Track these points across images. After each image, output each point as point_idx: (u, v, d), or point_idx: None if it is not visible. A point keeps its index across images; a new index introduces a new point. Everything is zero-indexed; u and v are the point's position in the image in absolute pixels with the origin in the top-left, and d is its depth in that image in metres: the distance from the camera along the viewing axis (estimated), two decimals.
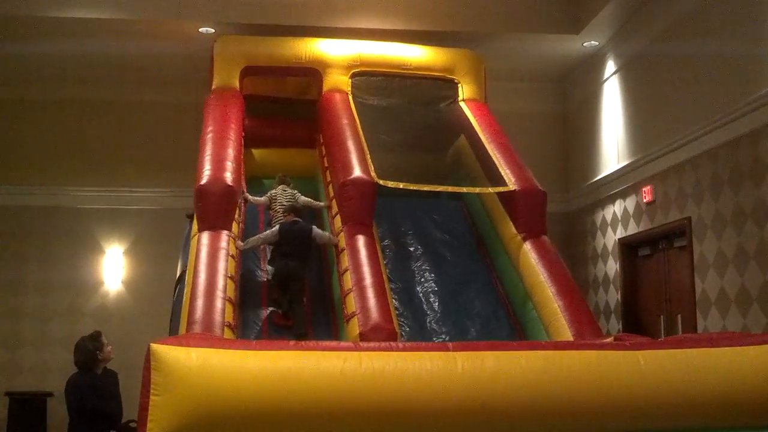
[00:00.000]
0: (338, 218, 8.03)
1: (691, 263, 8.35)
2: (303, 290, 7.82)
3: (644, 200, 9.41)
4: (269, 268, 8.09)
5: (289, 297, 7.65)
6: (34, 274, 11.01)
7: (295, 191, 8.63)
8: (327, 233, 8.19)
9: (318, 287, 8.20)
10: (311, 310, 7.91)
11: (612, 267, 10.32)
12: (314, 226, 8.05)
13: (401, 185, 8.07)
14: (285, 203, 8.42)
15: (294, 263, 7.70)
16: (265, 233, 7.97)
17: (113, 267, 11.12)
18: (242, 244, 7.84)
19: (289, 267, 7.69)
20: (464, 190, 8.98)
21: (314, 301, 8.03)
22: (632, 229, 9.78)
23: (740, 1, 7.65)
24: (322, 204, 8.85)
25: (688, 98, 8.52)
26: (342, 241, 7.74)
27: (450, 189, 8.80)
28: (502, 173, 8.47)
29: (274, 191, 8.61)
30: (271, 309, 7.77)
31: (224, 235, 7.47)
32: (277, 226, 7.92)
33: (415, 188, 8.16)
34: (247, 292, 7.89)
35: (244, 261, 8.20)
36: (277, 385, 4.08)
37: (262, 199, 8.59)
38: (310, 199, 8.71)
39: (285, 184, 8.73)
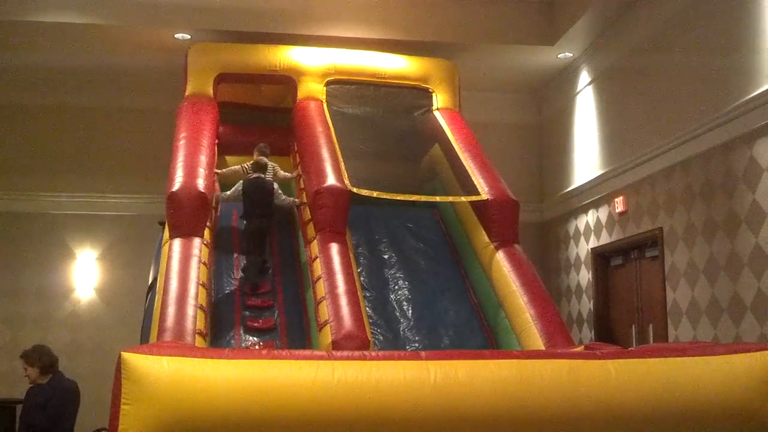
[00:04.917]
0: (311, 226, 8.02)
1: (663, 273, 8.43)
2: (267, 243, 8.40)
3: (617, 210, 9.48)
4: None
5: (258, 252, 8.24)
6: (4, 280, 10.88)
7: (274, 165, 8.89)
8: (289, 198, 8.62)
9: (288, 251, 8.65)
10: (281, 271, 8.41)
11: (584, 276, 10.38)
12: (276, 184, 8.49)
13: (375, 194, 8.09)
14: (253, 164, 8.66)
15: (258, 220, 8.26)
16: (230, 191, 8.40)
17: (85, 273, 11.03)
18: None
19: (253, 224, 8.24)
20: (437, 199, 9.00)
21: (284, 265, 8.48)
22: (605, 239, 9.85)
23: (713, 15, 7.73)
24: (291, 175, 9.10)
25: (660, 110, 8.60)
26: (315, 248, 7.74)
27: (423, 198, 8.79)
28: (476, 182, 8.50)
29: (248, 163, 8.84)
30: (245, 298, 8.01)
31: (196, 242, 7.43)
32: (240, 182, 8.36)
33: (388, 197, 8.18)
34: (221, 289, 7.99)
35: (218, 259, 8.29)
36: (249, 394, 4.06)
37: (238, 167, 8.90)
38: (286, 173, 9.02)
39: (264, 155, 8.85)
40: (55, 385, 7.39)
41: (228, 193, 8.43)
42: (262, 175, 8.47)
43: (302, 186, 8.70)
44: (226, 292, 8.04)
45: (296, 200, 8.67)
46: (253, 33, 9.70)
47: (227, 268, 8.36)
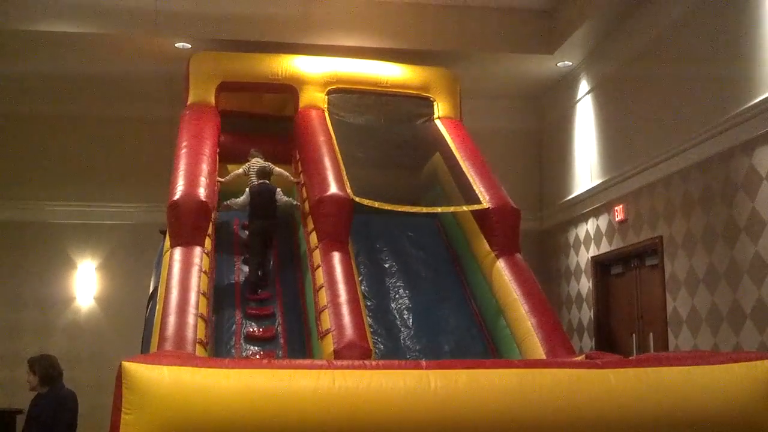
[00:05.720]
0: (314, 234, 8.02)
1: (663, 282, 8.43)
2: (273, 247, 8.64)
3: (616, 219, 9.49)
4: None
5: (262, 254, 8.42)
6: (5, 289, 10.88)
7: (269, 163, 9.02)
8: (289, 199, 8.78)
9: (289, 259, 8.76)
10: (281, 280, 8.51)
11: (585, 285, 10.38)
12: (278, 188, 8.64)
13: (377, 204, 8.10)
14: (257, 167, 8.84)
15: (264, 223, 8.47)
16: (240, 198, 8.56)
17: (85, 282, 11.03)
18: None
19: (257, 226, 8.45)
20: (439, 210, 9.00)
21: (285, 274, 8.56)
22: (605, 247, 9.85)
23: (712, 24, 7.76)
24: (294, 179, 9.23)
25: (660, 119, 8.62)
26: (317, 257, 7.75)
27: (425, 210, 8.81)
28: (477, 191, 8.51)
29: (248, 164, 9.04)
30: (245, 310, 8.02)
31: (197, 251, 7.44)
32: (247, 189, 8.55)
33: (390, 208, 8.18)
34: (221, 298, 7.98)
35: (219, 268, 8.31)
36: (250, 403, 4.06)
37: (240, 170, 9.07)
38: (282, 170, 9.16)
39: (259, 157, 9.13)
40: (50, 396, 7.38)
41: (239, 201, 8.55)
42: (267, 181, 8.61)
43: (304, 195, 8.71)
44: (227, 300, 8.04)
45: (296, 202, 8.81)
46: (253, 42, 9.73)
47: (228, 277, 8.37)
